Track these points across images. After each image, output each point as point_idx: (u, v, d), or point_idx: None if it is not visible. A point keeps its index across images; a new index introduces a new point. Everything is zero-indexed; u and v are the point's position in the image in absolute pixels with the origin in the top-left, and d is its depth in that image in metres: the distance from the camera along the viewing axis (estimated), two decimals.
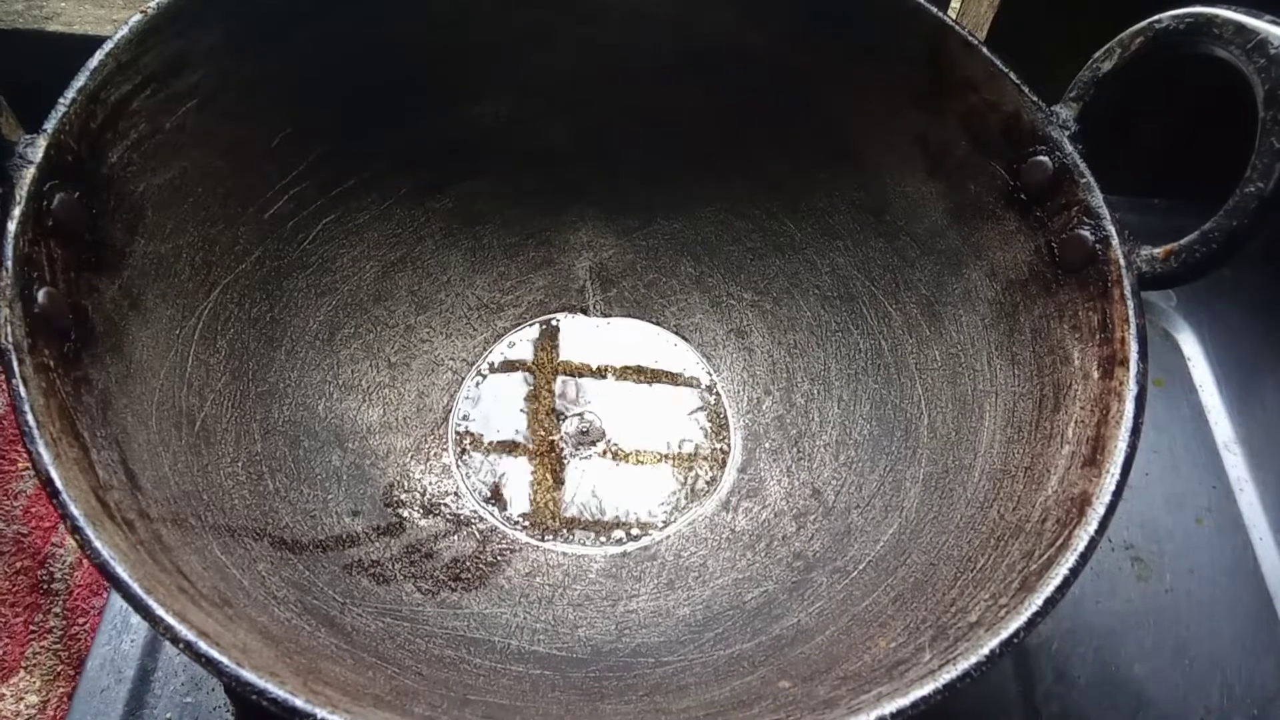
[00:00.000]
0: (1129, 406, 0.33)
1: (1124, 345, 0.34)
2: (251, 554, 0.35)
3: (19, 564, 0.56)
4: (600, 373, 0.48)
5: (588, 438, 0.46)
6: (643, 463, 0.46)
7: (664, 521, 0.44)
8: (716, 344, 0.50)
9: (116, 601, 0.43)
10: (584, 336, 0.49)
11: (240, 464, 0.38)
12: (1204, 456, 0.52)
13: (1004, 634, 0.28)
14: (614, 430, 0.47)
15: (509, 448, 0.45)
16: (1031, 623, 0.28)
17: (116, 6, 0.65)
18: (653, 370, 0.49)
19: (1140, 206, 0.61)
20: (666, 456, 0.46)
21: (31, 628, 0.54)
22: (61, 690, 0.55)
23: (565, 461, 0.45)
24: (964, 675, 0.27)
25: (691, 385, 0.49)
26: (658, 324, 0.50)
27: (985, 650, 0.28)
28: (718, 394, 0.48)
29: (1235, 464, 0.52)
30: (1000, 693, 0.44)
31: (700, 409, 0.48)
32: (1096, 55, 0.39)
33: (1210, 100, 0.62)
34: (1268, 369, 0.55)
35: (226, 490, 0.37)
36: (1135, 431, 0.32)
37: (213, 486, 0.36)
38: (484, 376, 0.48)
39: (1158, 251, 0.36)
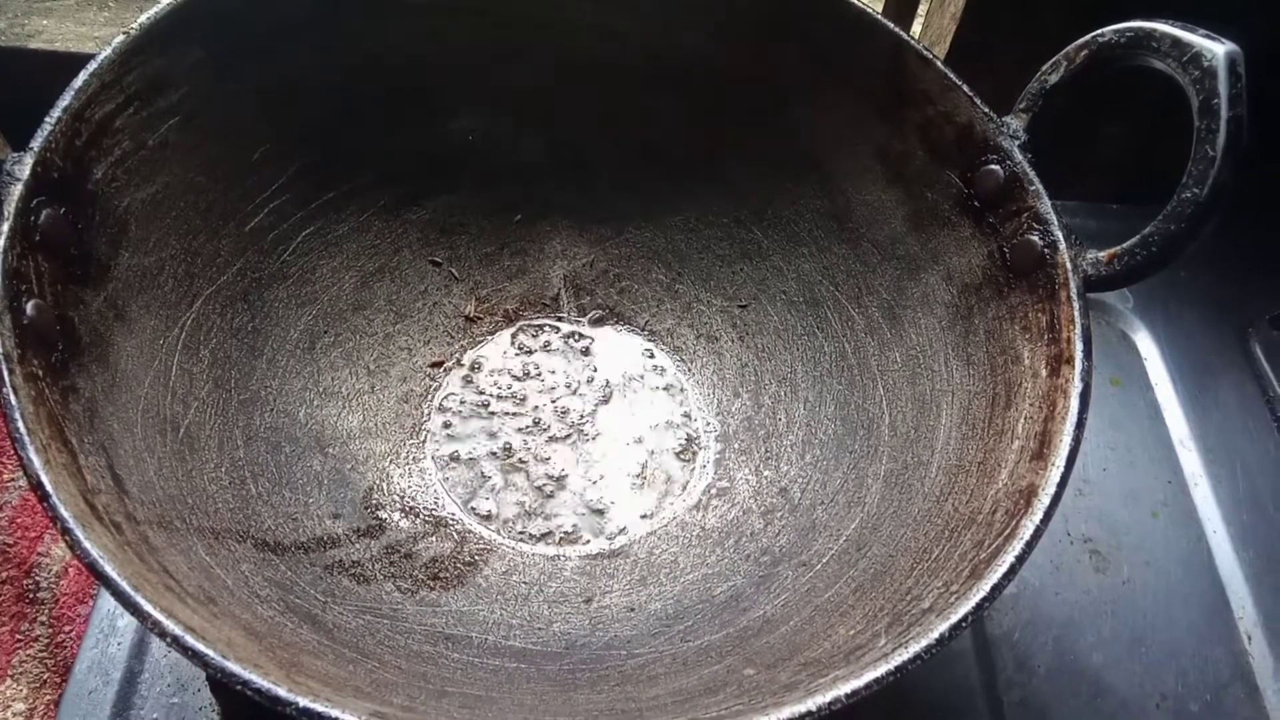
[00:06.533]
0: (1074, 403, 0.34)
1: (1070, 344, 0.36)
2: (235, 555, 0.36)
3: (5, 574, 0.57)
4: (575, 377, 0.50)
5: (563, 440, 0.48)
6: (617, 464, 0.47)
7: (637, 521, 0.45)
8: (688, 349, 0.51)
9: (104, 606, 0.44)
10: (558, 342, 0.51)
11: (223, 469, 0.39)
12: (1160, 452, 0.54)
13: (953, 618, 0.30)
14: (589, 433, 0.48)
15: (485, 451, 0.47)
16: (979, 607, 0.30)
17: (97, 24, 0.66)
18: (626, 375, 0.50)
19: (1101, 212, 0.63)
20: (640, 458, 0.48)
21: (18, 636, 0.55)
22: (48, 697, 0.55)
23: (541, 464, 0.47)
24: (914, 658, 0.29)
25: (664, 390, 0.50)
26: (631, 330, 0.51)
27: (935, 634, 0.29)
28: (690, 397, 0.50)
29: (1190, 459, 0.54)
30: (963, 682, 0.45)
31: (673, 412, 0.49)
32: (1044, 68, 0.41)
33: (1171, 109, 0.63)
34: (1220, 368, 0.57)
35: (210, 494, 0.38)
36: (1079, 426, 0.34)
37: (197, 491, 0.37)
38: (461, 383, 0.49)
39: (1102, 255, 0.37)
